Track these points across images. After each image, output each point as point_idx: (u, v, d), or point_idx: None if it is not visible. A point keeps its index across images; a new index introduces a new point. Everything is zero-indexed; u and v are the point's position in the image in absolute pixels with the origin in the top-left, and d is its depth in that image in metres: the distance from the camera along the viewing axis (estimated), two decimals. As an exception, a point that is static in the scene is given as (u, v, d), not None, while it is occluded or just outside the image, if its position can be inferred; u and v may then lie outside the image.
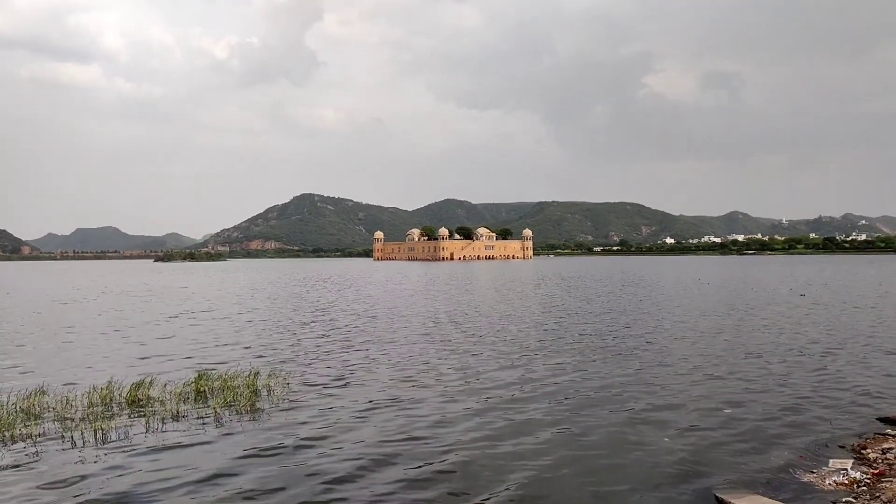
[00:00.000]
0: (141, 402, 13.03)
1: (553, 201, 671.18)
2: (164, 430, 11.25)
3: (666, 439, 10.62)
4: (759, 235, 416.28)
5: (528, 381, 15.20)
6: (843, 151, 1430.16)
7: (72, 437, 10.80)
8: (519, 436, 10.82)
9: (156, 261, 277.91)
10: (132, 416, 12.12)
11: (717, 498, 8.09)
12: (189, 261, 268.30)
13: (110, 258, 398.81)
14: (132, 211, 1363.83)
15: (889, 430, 10.79)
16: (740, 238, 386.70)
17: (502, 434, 10.92)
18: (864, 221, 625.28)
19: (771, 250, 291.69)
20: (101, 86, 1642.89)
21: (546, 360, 17.89)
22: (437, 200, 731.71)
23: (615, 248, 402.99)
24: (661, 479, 8.86)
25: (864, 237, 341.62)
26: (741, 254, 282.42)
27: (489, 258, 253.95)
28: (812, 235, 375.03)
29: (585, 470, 9.24)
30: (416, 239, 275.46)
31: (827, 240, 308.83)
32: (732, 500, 7.88)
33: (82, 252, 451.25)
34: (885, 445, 9.72)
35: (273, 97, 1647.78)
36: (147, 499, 8.32)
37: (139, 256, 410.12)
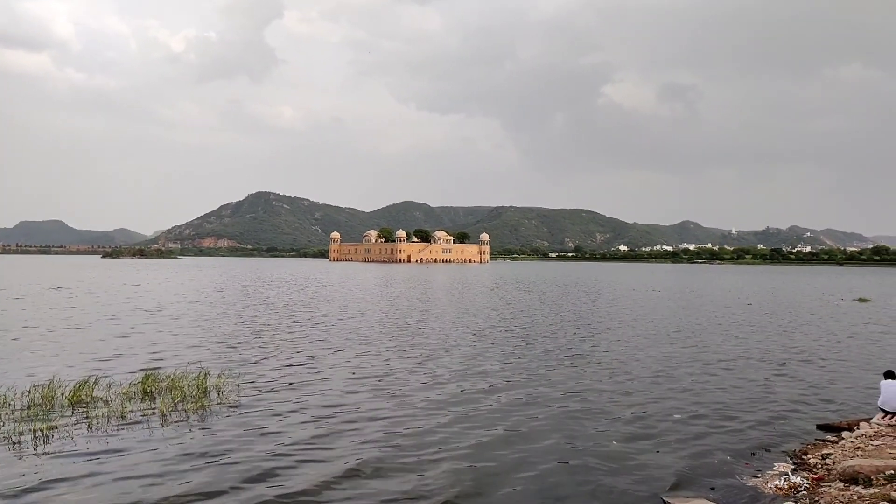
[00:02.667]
0: (85, 403, 12.60)
1: (510, 206, 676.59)
2: (107, 432, 10.90)
3: (614, 442, 10.78)
4: (710, 245, 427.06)
5: (483, 385, 15.26)
6: (791, 167, 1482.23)
7: (9, 438, 10.39)
8: (469, 438, 10.84)
9: (104, 257, 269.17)
10: (75, 417, 11.72)
11: (664, 502, 8.24)
12: (139, 257, 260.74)
13: (55, 253, 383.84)
14: (79, 204, 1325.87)
15: (828, 437, 11.17)
16: (691, 247, 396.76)
17: (453, 436, 10.91)
18: (809, 234, 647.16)
19: (721, 259, 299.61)
20: (50, 75, 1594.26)
21: (498, 364, 17.98)
22: (395, 202, 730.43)
23: (570, 255, 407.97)
24: (609, 483, 8.97)
25: (808, 249, 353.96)
26: (692, 262, 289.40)
27: (446, 261, 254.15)
28: (760, 246, 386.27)
29: (533, 474, 9.29)
30: (374, 240, 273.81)
31: (774, 251, 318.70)
32: (679, 505, 8.04)
33: (25, 246, 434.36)
34: (825, 451, 10.03)
35: (231, 93, 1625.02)
36: None
37: (86, 252, 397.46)
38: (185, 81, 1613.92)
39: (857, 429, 11.23)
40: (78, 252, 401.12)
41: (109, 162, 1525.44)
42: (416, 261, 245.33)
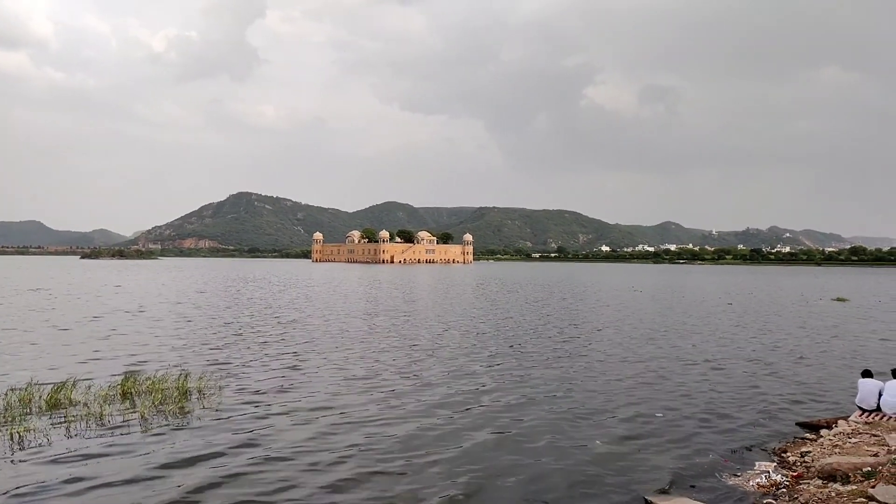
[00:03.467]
0: (63, 405, 12.42)
1: (494, 207, 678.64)
2: (86, 435, 10.75)
3: (598, 442, 10.83)
4: (691, 245, 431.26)
5: (470, 386, 15.25)
6: (771, 168, 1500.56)
7: (-15, 442, 10.21)
8: (455, 440, 10.83)
9: (83, 258, 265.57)
10: (53, 420, 11.55)
11: (646, 501, 8.28)
12: (118, 258, 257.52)
13: (33, 254, 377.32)
14: (57, 205, 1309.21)
15: (807, 435, 11.31)
16: (672, 247, 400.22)
17: (440, 439, 10.90)
18: (788, 234, 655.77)
19: (701, 260, 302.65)
20: (29, 73, 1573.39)
21: (484, 365, 18.01)
22: (379, 203, 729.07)
23: (553, 255, 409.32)
24: (592, 482, 9.01)
25: (788, 249, 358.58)
26: (673, 262, 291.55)
27: (430, 262, 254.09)
28: (740, 247, 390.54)
29: (518, 474, 9.30)
30: (357, 241, 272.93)
31: (754, 251, 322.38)
32: (661, 503, 8.09)
33: (2, 247, 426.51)
34: (804, 449, 10.15)
35: (212, 93, 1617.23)
36: (66, 507, 7.94)
37: (64, 253, 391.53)
38: (165, 81, 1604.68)
39: (836, 427, 11.37)
40: (56, 253, 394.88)
41: (88, 162, 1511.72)
42: (400, 261, 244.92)
